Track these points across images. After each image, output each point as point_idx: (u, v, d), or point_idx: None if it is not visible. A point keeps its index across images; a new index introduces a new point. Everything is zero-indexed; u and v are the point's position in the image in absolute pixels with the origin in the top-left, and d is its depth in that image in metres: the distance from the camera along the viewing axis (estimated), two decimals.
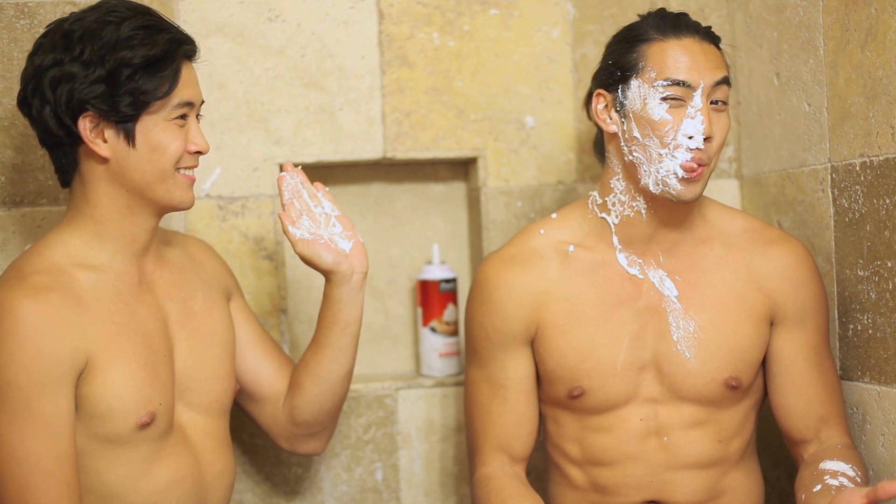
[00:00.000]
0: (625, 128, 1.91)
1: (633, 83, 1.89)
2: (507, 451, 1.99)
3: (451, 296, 2.34)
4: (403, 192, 2.43)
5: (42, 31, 1.81)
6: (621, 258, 1.96)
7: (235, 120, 2.23)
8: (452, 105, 2.31)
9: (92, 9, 1.80)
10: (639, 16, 1.95)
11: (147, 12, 1.80)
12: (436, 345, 2.34)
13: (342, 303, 1.94)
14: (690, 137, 1.86)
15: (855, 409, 1.99)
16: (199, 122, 1.84)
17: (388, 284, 2.43)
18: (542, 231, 2.02)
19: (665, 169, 1.87)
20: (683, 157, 1.86)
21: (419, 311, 2.36)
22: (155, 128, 1.77)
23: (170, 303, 1.87)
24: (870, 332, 1.95)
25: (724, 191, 2.37)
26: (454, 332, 2.34)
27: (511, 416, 1.98)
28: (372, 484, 2.29)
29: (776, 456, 2.21)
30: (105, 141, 1.77)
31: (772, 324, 1.96)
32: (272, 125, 2.25)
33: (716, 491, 1.97)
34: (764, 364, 1.98)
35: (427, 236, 2.44)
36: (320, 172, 2.37)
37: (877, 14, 1.88)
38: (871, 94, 1.90)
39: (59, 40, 1.77)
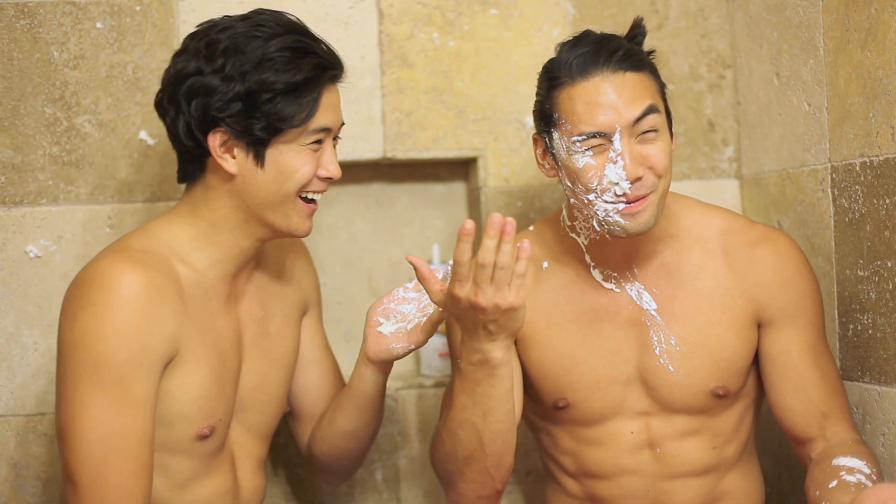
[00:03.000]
0: (560, 175, 1.86)
1: (555, 135, 1.82)
2: None
3: None
4: (403, 192, 2.43)
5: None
6: (595, 274, 1.94)
7: None
8: (452, 105, 2.31)
9: (243, 18, 1.76)
10: (558, 46, 1.85)
11: (297, 31, 1.76)
12: (436, 345, 2.33)
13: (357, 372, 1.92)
14: (616, 183, 1.78)
15: (855, 410, 1.99)
16: (335, 146, 1.80)
17: (388, 284, 2.43)
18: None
19: (602, 210, 1.81)
20: (614, 200, 1.80)
21: None
22: (288, 152, 1.74)
23: (248, 319, 1.85)
24: (870, 332, 1.95)
25: (724, 191, 2.37)
26: None
27: None
28: (372, 484, 2.29)
29: (776, 456, 2.21)
30: (233, 157, 1.73)
31: (759, 326, 1.93)
32: None
33: (713, 496, 1.96)
34: (759, 366, 1.96)
35: (427, 236, 2.44)
36: None
37: (877, 14, 1.88)
38: (871, 94, 1.90)
39: (204, 48, 1.73)
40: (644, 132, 1.79)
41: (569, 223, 1.94)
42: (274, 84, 1.70)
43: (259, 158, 1.73)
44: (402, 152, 2.30)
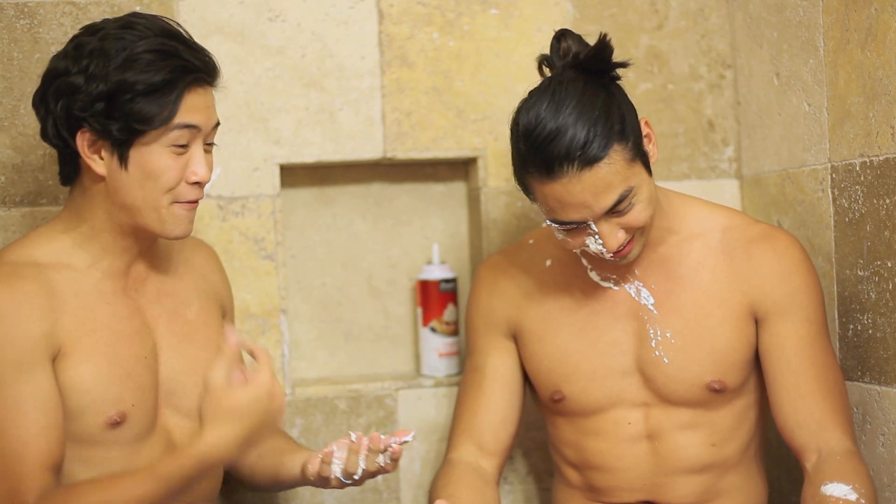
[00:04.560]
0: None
1: (534, 203, 1.86)
2: (475, 440, 2.01)
3: (451, 296, 2.34)
4: (403, 192, 2.43)
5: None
6: (593, 275, 1.97)
7: (235, 120, 2.23)
8: (452, 105, 2.31)
9: (116, 20, 1.76)
10: (523, 101, 1.83)
11: (167, 34, 1.75)
12: (436, 345, 2.34)
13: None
14: (599, 252, 1.83)
15: (855, 410, 1.99)
16: (209, 150, 1.79)
17: (388, 284, 2.43)
18: (531, 241, 2.07)
19: (592, 251, 1.85)
20: (600, 255, 1.85)
21: (419, 311, 2.36)
22: (150, 154, 1.73)
23: (158, 308, 1.85)
24: (870, 332, 1.95)
25: (724, 191, 2.37)
26: (454, 332, 2.34)
27: (483, 403, 2.01)
28: (372, 484, 2.29)
29: (776, 455, 2.21)
30: (101, 158, 1.74)
31: (757, 322, 1.93)
32: (272, 125, 2.25)
33: (710, 494, 1.96)
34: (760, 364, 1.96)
35: (427, 236, 2.44)
36: (320, 172, 2.38)
37: (877, 14, 1.88)
38: (871, 94, 1.90)
39: (73, 49, 1.74)
40: (618, 211, 1.80)
41: None
42: (134, 84, 1.70)
43: (123, 160, 1.73)
44: (402, 152, 2.30)
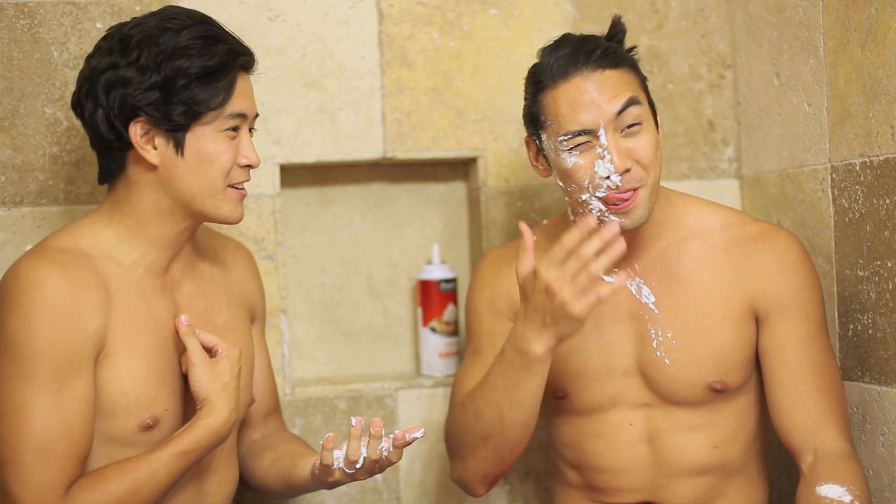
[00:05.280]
0: (553, 174, 1.91)
1: (544, 137, 1.87)
2: None
3: (451, 296, 2.34)
4: (403, 192, 2.43)
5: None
6: None
7: None
8: (452, 105, 2.31)
9: (152, 14, 1.79)
10: (540, 51, 1.90)
11: (207, 21, 1.80)
12: (436, 345, 2.34)
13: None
14: (607, 177, 1.82)
15: (855, 409, 1.99)
16: (251, 136, 1.83)
17: (388, 284, 2.43)
18: (533, 238, 2.04)
19: (596, 208, 1.85)
20: (607, 195, 1.84)
21: (419, 311, 2.36)
22: (205, 138, 1.76)
23: (190, 312, 1.85)
24: (870, 332, 1.95)
25: (724, 191, 2.37)
26: (454, 332, 2.34)
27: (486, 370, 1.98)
28: (372, 484, 2.29)
29: (776, 456, 2.21)
30: (155, 148, 1.76)
31: (757, 321, 1.93)
32: (272, 125, 2.25)
33: (711, 495, 1.96)
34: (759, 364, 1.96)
35: (427, 236, 2.44)
36: (320, 173, 2.38)
37: (877, 14, 1.88)
38: (871, 94, 1.90)
39: (117, 44, 1.77)
40: (628, 126, 1.83)
41: (572, 218, 1.97)
42: (189, 69, 1.74)
43: (179, 146, 1.76)
44: (402, 152, 2.30)
